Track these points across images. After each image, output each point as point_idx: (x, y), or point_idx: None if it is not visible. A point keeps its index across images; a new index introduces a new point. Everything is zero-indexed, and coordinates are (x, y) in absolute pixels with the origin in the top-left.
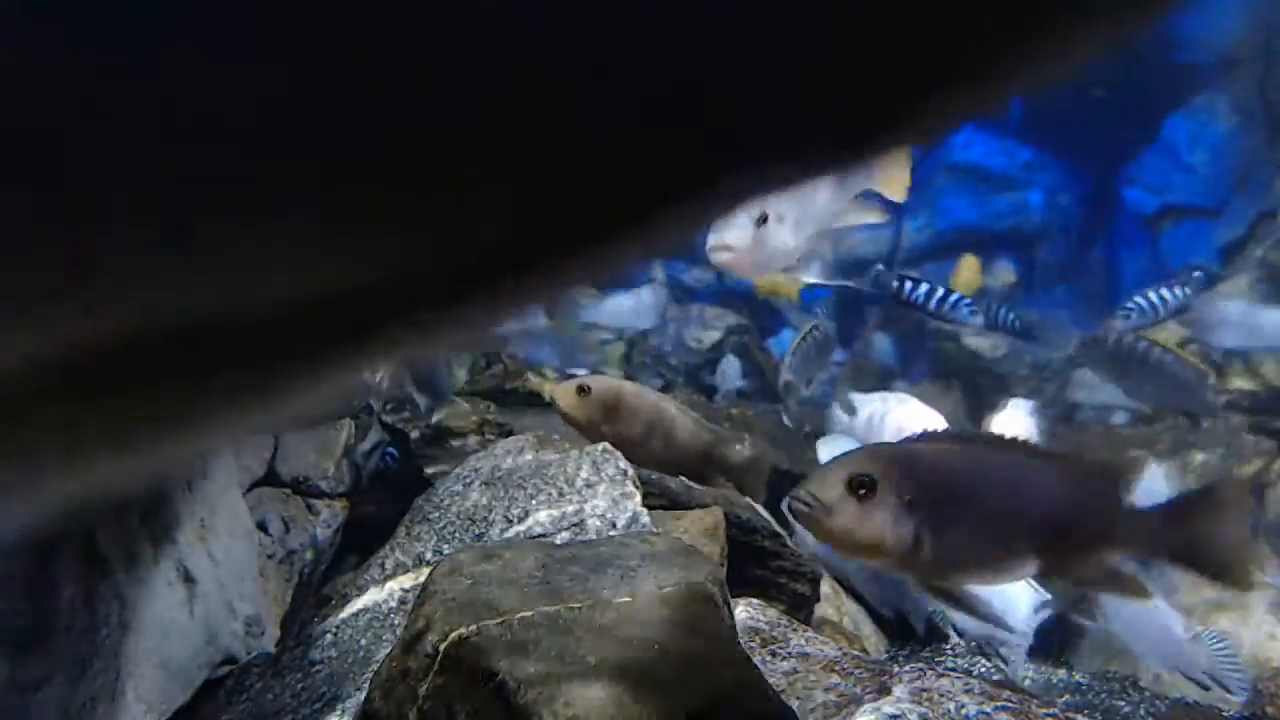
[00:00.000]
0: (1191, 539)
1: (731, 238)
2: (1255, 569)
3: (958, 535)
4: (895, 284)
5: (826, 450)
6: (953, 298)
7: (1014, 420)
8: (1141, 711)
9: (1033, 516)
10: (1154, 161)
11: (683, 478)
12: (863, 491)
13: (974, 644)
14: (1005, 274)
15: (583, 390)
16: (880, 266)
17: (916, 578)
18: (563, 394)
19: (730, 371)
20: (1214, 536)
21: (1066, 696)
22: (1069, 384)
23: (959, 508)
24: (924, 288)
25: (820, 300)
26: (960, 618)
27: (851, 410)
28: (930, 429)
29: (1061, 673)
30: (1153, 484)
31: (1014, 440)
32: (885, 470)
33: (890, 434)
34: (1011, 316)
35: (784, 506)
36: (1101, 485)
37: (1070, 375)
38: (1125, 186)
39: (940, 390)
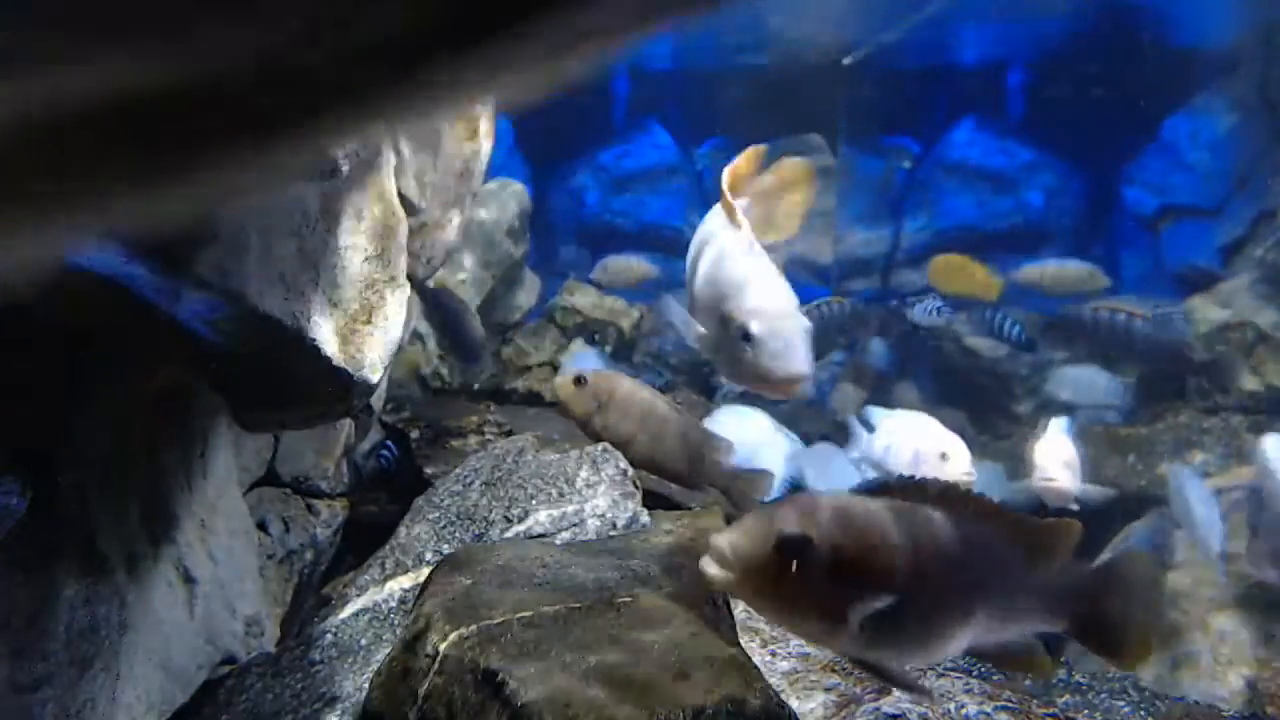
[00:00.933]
0: (1095, 615)
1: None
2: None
3: (892, 613)
4: (917, 315)
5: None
6: (934, 306)
7: (1057, 442)
8: (1141, 712)
9: (972, 596)
10: (1154, 161)
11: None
12: (794, 556)
13: None
14: (1098, 279)
15: (580, 381)
16: (894, 301)
17: (837, 650)
18: (562, 383)
19: None
20: (1117, 615)
21: (1066, 696)
22: (1052, 383)
23: (895, 582)
24: (917, 309)
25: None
26: None
27: (870, 427)
28: (946, 452)
29: (1061, 673)
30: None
31: (964, 497)
32: (820, 533)
33: (907, 460)
34: (1017, 329)
35: (703, 560)
36: (1031, 553)
37: (1051, 375)
38: (1125, 186)
39: (940, 397)
